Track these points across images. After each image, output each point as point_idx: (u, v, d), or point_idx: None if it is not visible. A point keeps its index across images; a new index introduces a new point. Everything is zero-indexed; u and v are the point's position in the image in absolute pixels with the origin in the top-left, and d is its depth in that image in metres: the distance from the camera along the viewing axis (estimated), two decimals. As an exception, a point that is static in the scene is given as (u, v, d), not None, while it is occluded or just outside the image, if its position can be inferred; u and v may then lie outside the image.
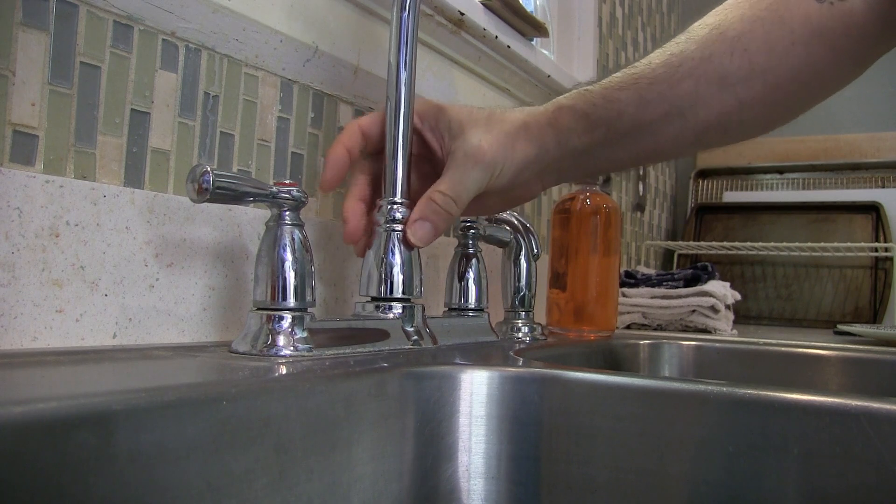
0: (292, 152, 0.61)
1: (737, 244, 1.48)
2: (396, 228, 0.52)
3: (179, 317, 0.49)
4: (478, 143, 0.50)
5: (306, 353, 0.43)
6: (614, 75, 0.53)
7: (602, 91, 0.52)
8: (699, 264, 1.09)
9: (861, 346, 0.83)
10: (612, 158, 0.53)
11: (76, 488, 0.24)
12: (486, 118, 0.52)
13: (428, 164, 0.55)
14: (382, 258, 0.51)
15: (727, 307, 1.04)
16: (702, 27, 0.52)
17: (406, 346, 0.52)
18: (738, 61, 0.49)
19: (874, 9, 0.48)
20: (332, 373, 0.37)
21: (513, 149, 0.51)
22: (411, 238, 0.51)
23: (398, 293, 0.52)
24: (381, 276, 0.51)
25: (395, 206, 0.52)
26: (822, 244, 1.43)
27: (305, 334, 0.44)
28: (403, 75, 0.53)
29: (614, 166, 0.56)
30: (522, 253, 0.72)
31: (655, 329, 1.04)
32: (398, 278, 0.51)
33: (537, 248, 0.73)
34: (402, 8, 0.53)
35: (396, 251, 0.51)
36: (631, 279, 1.11)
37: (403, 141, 0.52)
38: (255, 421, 0.31)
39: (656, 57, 0.52)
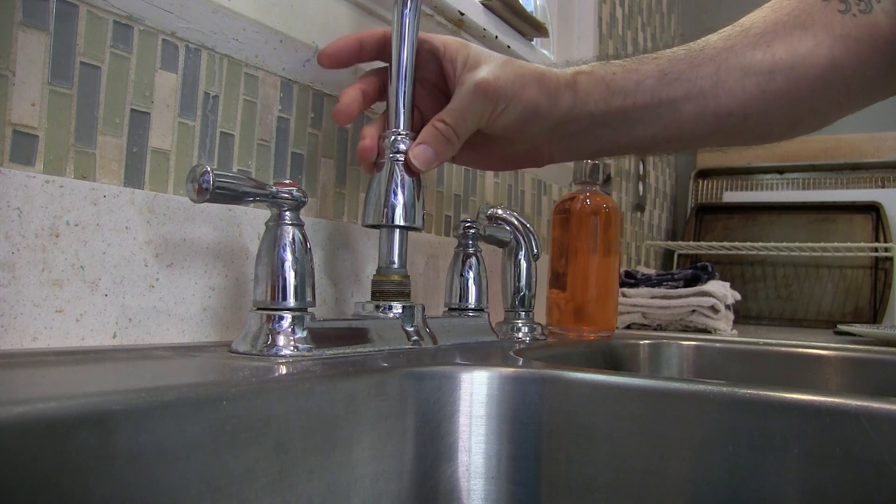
0: (292, 152, 0.61)
1: (737, 244, 1.48)
2: (399, 159, 0.53)
3: (179, 317, 0.49)
4: (486, 75, 0.51)
5: (306, 353, 0.43)
6: (634, 56, 0.53)
7: (623, 63, 0.52)
8: (699, 264, 1.09)
9: (861, 346, 0.83)
10: (630, 135, 0.53)
11: (76, 488, 0.24)
12: (505, 59, 0.53)
13: (444, 96, 0.55)
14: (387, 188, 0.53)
15: (727, 307, 1.04)
16: (726, 26, 0.53)
17: (406, 346, 0.52)
18: (761, 54, 0.50)
19: None
20: (332, 373, 0.37)
21: (523, 91, 0.51)
22: (413, 161, 0.52)
23: (399, 222, 0.53)
24: (382, 203, 0.53)
25: (399, 138, 0.53)
26: (822, 244, 1.43)
27: (305, 334, 0.44)
28: (404, 69, 0.54)
29: (633, 145, 0.55)
30: (522, 253, 0.72)
31: (655, 329, 1.04)
32: (400, 208, 0.53)
33: (537, 248, 0.73)
34: (404, 5, 0.53)
35: (399, 180, 0.53)
36: (631, 279, 1.11)
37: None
38: (255, 421, 0.31)
39: (679, 46, 0.52)
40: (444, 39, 0.55)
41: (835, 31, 0.49)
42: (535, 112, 0.51)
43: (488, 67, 0.52)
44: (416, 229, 0.54)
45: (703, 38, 0.52)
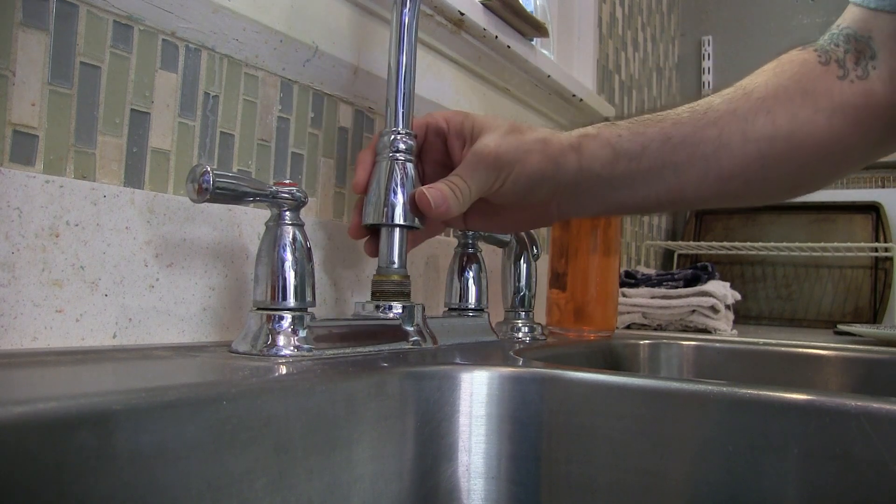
0: (292, 152, 0.61)
1: (737, 244, 1.48)
2: (399, 158, 0.53)
3: (179, 317, 0.49)
4: (489, 145, 0.51)
5: (306, 353, 0.43)
6: (638, 116, 0.53)
7: (628, 125, 0.52)
8: (699, 264, 1.09)
9: (861, 346, 0.83)
10: (636, 196, 0.53)
11: (76, 488, 0.24)
12: (508, 127, 0.53)
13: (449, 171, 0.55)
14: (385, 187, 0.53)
15: (727, 307, 1.04)
16: (728, 87, 0.53)
17: (406, 346, 0.52)
18: (762, 120, 0.50)
19: (894, 88, 0.49)
20: (332, 373, 0.37)
21: (526, 158, 0.51)
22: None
23: (399, 221, 0.52)
24: (382, 203, 0.53)
25: (398, 137, 0.53)
26: (822, 244, 1.43)
27: (305, 334, 0.44)
28: (403, 69, 0.54)
29: (638, 206, 0.55)
30: (522, 253, 0.72)
31: (655, 329, 1.04)
32: (400, 207, 0.52)
33: (537, 249, 0.73)
34: (403, 5, 0.54)
35: (399, 179, 0.53)
36: (631, 279, 1.11)
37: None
38: (255, 421, 0.31)
39: (683, 107, 0.53)
40: (444, 115, 0.56)
41: (833, 98, 0.50)
42: (540, 179, 0.51)
43: (492, 136, 0.52)
44: (415, 228, 0.54)
45: (707, 99, 0.52)
